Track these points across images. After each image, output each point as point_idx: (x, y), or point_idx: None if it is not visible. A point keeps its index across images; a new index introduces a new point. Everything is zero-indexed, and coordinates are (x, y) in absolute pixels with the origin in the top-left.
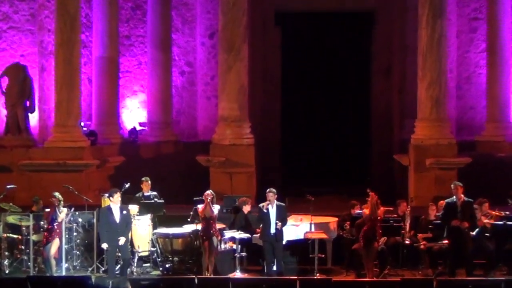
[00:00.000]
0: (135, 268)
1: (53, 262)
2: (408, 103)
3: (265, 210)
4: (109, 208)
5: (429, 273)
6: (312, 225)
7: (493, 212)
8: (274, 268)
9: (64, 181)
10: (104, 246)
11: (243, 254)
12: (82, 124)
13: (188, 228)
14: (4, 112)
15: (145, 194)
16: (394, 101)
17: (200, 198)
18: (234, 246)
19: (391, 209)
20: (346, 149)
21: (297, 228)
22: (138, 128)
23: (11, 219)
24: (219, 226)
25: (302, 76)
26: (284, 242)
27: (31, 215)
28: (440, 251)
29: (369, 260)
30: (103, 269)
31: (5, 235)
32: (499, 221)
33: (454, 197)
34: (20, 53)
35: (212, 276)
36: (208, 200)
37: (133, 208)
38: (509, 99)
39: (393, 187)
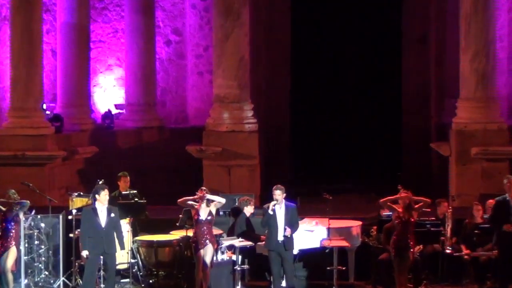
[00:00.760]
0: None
1: (10, 277)
2: (448, 80)
3: (271, 212)
4: (93, 209)
5: None
6: (330, 231)
7: None
8: (284, 284)
9: (22, 177)
10: (84, 253)
11: (245, 266)
12: (45, 106)
13: (176, 235)
14: None
15: (123, 193)
16: (431, 78)
17: (192, 197)
18: (234, 257)
19: (429, 210)
20: (371, 136)
21: (311, 234)
22: (114, 111)
23: None
24: (215, 232)
25: (317, 47)
26: (295, 252)
27: None
28: (489, 262)
29: (401, 274)
30: (71, 286)
31: None
32: None
33: (507, 194)
34: None
35: None
36: (205, 196)
37: None
38: None
39: (430, 183)
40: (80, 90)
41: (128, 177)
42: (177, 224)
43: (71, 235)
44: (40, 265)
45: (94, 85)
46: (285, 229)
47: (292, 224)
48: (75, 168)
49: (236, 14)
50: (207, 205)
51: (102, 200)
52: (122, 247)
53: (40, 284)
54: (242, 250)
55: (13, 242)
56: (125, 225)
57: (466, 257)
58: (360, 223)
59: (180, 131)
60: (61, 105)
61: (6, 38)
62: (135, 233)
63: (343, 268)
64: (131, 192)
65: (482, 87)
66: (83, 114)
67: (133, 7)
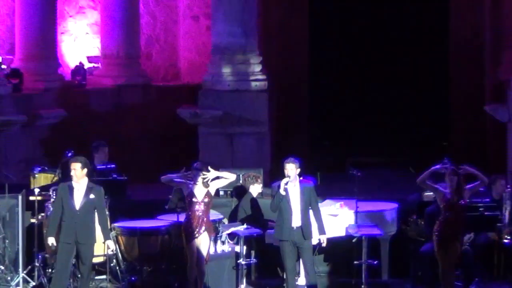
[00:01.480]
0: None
1: None
2: (507, 28)
3: (283, 192)
4: (69, 187)
5: None
6: (358, 215)
7: None
8: (300, 282)
9: None
10: (50, 241)
11: (251, 260)
12: (0, 59)
13: (165, 220)
14: None
15: (99, 166)
16: (485, 24)
17: (185, 172)
18: (237, 248)
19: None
20: (410, 97)
21: (334, 220)
22: (87, 65)
23: None
24: (213, 216)
25: None
26: (314, 242)
27: None
28: None
29: (447, 270)
30: (33, 284)
31: None
32: None
33: None
34: None
35: None
36: (204, 175)
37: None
38: None
39: (485, 155)
40: (44, 38)
41: (106, 148)
42: (166, 207)
43: (33, 220)
44: None
45: (62, 33)
46: (319, 241)
47: (310, 207)
48: (38, 136)
49: None
50: (205, 184)
51: (79, 175)
52: (107, 237)
53: None
54: (248, 240)
55: None
56: None
57: None
58: (395, 206)
59: (170, 90)
60: (20, 57)
61: None
62: (113, 218)
63: (375, 263)
64: (109, 166)
65: None
66: (48, 69)
67: None
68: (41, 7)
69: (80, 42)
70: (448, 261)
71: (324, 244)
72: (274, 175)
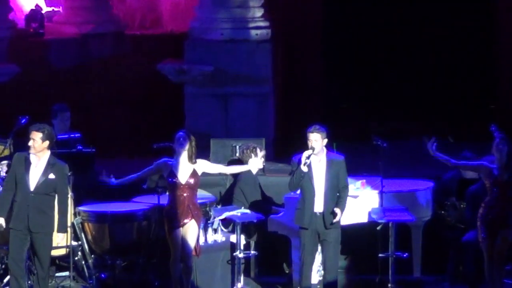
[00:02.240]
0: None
1: None
2: None
3: (304, 168)
4: (26, 159)
5: None
6: (384, 196)
7: None
8: (315, 279)
9: None
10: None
11: (251, 252)
12: None
13: (143, 203)
14: None
15: (60, 136)
16: None
17: (167, 143)
18: (233, 238)
19: None
20: (448, 50)
21: (354, 202)
22: (45, 9)
23: None
24: (202, 199)
25: None
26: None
27: None
28: None
29: (494, 263)
30: None
31: None
32: None
33: None
34: None
35: None
36: (192, 145)
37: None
38: None
39: None
40: None
41: (68, 113)
42: (144, 186)
43: None
44: None
45: None
46: (333, 211)
47: (338, 189)
48: None
49: None
50: (191, 160)
51: (38, 147)
52: (61, 229)
53: None
54: (246, 227)
55: None
56: None
57: None
58: (430, 185)
59: (149, 40)
60: None
61: None
62: (78, 201)
63: (404, 255)
64: (72, 135)
65: None
66: None
67: None
68: None
69: None
70: (497, 253)
71: (336, 218)
72: (278, 148)
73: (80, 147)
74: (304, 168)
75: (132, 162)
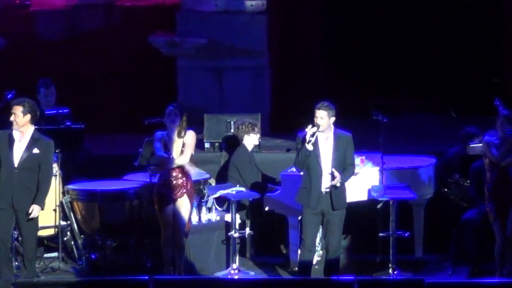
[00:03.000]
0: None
1: None
2: None
3: (309, 147)
4: (10, 136)
5: None
6: (385, 174)
7: None
8: (314, 259)
9: None
10: None
11: (246, 232)
12: None
13: (134, 181)
14: None
15: (48, 112)
16: None
17: (158, 119)
18: (228, 217)
19: None
20: (450, 20)
21: (354, 180)
22: None
23: None
24: (196, 175)
25: None
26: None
27: None
28: None
29: (504, 243)
30: None
31: None
32: None
33: None
34: None
35: (182, 276)
36: (183, 120)
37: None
38: None
39: None
40: None
41: (53, 88)
42: (136, 163)
43: None
44: None
45: None
46: (332, 174)
47: (344, 166)
48: None
49: None
50: (180, 135)
51: (20, 122)
52: (38, 201)
53: None
54: (241, 206)
55: None
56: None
57: None
58: (432, 161)
59: (140, 11)
60: None
61: None
62: (66, 179)
63: (406, 234)
64: (61, 111)
65: None
66: None
67: None
68: None
69: None
70: (504, 232)
71: (335, 180)
72: (275, 123)
73: (69, 123)
74: (309, 147)
75: (122, 138)
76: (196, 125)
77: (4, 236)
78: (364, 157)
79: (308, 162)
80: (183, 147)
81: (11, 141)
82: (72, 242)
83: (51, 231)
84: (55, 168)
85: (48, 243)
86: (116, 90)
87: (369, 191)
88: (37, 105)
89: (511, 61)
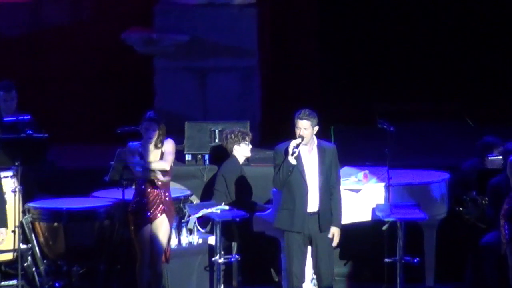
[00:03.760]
0: None
1: None
2: None
3: (292, 161)
4: None
5: None
6: (391, 190)
7: None
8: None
9: None
10: None
11: (233, 257)
12: None
13: (104, 199)
14: None
15: (6, 118)
16: None
17: (132, 127)
18: (212, 240)
19: None
20: (465, 24)
21: (355, 197)
22: None
23: None
24: (176, 191)
25: None
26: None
27: None
28: None
29: None
30: None
31: None
32: None
33: None
34: None
35: None
36: (160, 134)
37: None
38: None
39: None
40: None
41: (14, 92)
42: (106, 178)
43: None
44: None
45: None
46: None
47: (329, 179)
48: None
49: None
50: (157, 145)
51: None
52: (2, 224)
53: None
54: (227, 227)
55: None
56: (9, 181)
57: None
58: (446, 176)
59: (112, 4)
60: None
61: None
62: (27, 196)
63: (415, 260)
64: (21, 118)
65: None
66: None
67: None
68: None
69: None
70: None
71: (335, 242)
72: (266, 132)
73: (31, 132)
74: (292, 160)
75: (92, 150)
76: (175, 134)
77: None
78: (367, 171)
79: (290, 179)
80: (161, 158)
81: None
82: (34, 269)
83: (9, 256)
84: (14, 183)
85: (6, 269)
86: (85, 94)
87: (373, 210)
88: None
89: None
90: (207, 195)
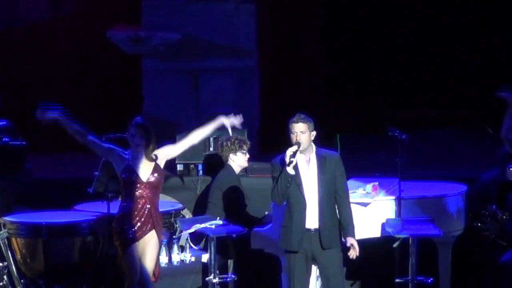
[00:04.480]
0: None
1: None
2: None
3: (291, 171)
4: None
5: None
6: (403, 204)
7: None
8: None
9: None
10: None
11: (229, 276)
12: None
13: (88, 212)
14: None
15: None
16: None
17: (118, 134)
18: (206, 257)
19: None
20: (480, 23)
21: (363, 212)
22: None
23: None
24: (166, 205)
25: None
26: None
27: None
28: None
29: None
30: None
31: None
32: None
33: None
34: None
35: None
36: (150, 145)
37: None
38: None
39: None
40: None
41: None
42: (90, 190)
43: None
44: None
45: None
46: (346, 246)
47: (336, 199)
48: None
49: None
50: (147, 156)
51: None
52: None
53: None
54: (222, 244)
55: None
56: None
57: None
58: (463, 189)
59: (96, 1)
60: None
61: None
62: (3, 209)
63: (429, 280)
64: None
65: None
66: None
67: None
68: None
69: None
70: None
71: (354, 254)
72: (265, 140)
73: (7, 139)
74: (291, 170)
75: (73, 159)
76: (165, 141)
77: None
78: (377, 183)
79: (288, 192)
80: (154, 171)
81: None
82: None
83: None
84: None
85: None
86: (66, 97)
87: (383, 226)
88: None
89: None
90: (201, 208)
